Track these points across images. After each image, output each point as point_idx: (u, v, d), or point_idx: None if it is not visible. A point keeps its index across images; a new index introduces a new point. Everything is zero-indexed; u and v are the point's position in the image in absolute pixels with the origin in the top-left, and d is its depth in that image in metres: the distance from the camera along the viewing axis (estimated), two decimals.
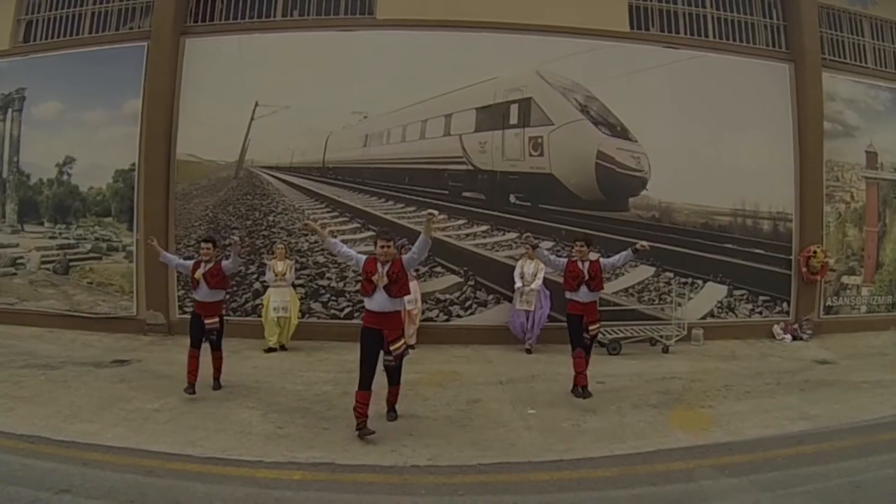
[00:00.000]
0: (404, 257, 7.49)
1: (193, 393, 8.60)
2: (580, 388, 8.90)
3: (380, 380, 7.57)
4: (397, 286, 7.36)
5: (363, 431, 7.20)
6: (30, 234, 14.00)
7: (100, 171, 13.63)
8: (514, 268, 12.44)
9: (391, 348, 7.35)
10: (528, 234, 9.77)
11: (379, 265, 7.42)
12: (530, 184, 12.97)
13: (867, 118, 14.76)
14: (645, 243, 8.99)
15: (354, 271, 11.86)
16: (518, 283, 12.18)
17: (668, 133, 13.21)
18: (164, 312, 12.99)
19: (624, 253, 9.14)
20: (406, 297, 8.07)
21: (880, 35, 15.16)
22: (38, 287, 13.75)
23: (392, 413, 7.87)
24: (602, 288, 9.24)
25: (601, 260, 9.13)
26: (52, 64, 13.87)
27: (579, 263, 9.01)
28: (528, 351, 12.03)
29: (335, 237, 8.14)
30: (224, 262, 8.92)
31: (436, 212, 7.56)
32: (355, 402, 7.30)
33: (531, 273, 12.09)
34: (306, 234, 12.98)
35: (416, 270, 11.75)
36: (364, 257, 7.63)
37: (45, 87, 13.96)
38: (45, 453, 6.42)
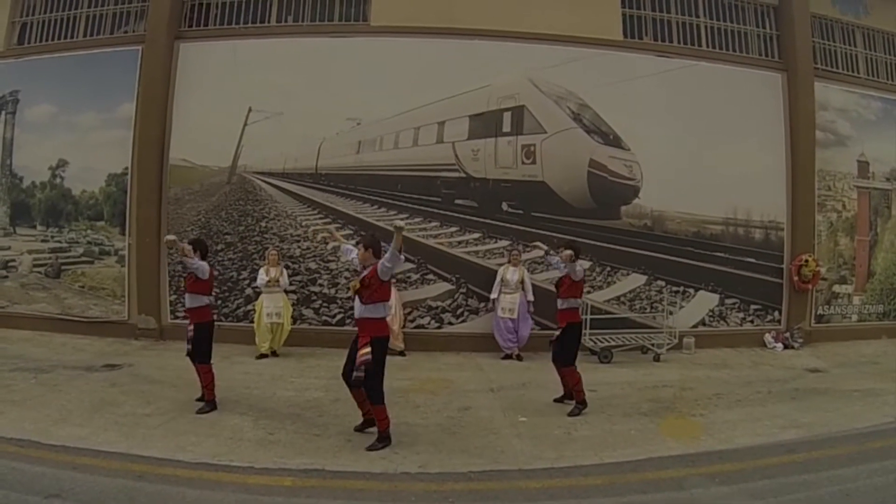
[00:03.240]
0: (378, 264, 7.31)
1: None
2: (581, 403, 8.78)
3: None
4: (368, 292, 7.18)
5: (360, 427, 7.57)
6: (22, 238, 13.96)
7: (92, 175, 13.61)
8: None
9: (358, 353, 7.21)
10: (537, 241, 9.65)
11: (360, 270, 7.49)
12: (522, 191, 12.99)
13: (859, 128, 14.84)
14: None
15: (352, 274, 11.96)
16: (494, 294, 12.24)
17: (661, 142, 13.23)
18: (155, 317, 12.94)
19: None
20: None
21: (872, 45, 15.26)
22: (29, 290, 13.70)
23: (376, 441, 7.19)
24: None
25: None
26: (46, 67, 13.84)
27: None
28: (519, 357, 12.02)
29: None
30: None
31: (402, 224, 7.31)
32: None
33: (516, 280, 12.09)
34: (298, 241, 12.98)
35: (394, 278, 11.70)
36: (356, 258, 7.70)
37: (38, 90, 13.91)
38: (34, 457, 6.39)
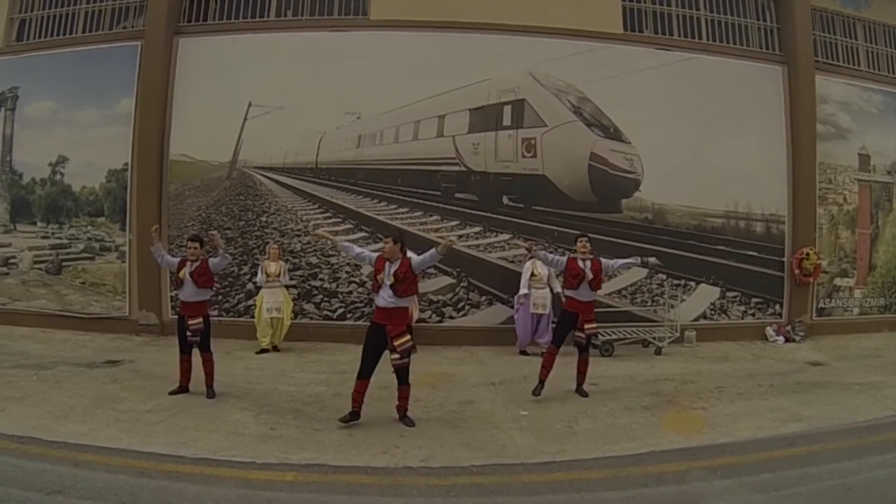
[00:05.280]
0: (414, 259, 7.66)
1: (185, 391, 8.75)
2: (540, 382, 9.05)
3: (380, 380, 7.68)
4: (403, 286, 7.60)
5: (346, 418, 7.60)
6: (22, 234, 13.95)
7: (92, 171, 13.60)
8: (506, 268, 12.47)
9: (395, 344, 7.54)
10: (530, 240, 9.70)
11: (387, 264, 7.68)
12: (523, 185, 12.98)
13: (860, 121, 14.80)
14: (655, 260, 9.46)
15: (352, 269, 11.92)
16: (524, 290, 11.99)
17: (661, 135, 13.20)
18: (156, 313, 12.95)
19: (629, 259, 9.26)
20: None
21: (873, 38, 15.23)
22: (30, 287, 13.71)
23: (408, 419, 7.74)
24: (600, 287, 9.28)
25: (602, 260, 9.17)
26: (46, 63, 13.81)
27: (580, 262, 9.03)
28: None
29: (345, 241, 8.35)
30: (212, 260, 8.84)
31: (455, 241, 7.92)
32: (353, 389, 7.69)
33: (546, 275, 11.99)
34: (299, 235, 12.97)
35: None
36: (375, 256, 7.89)
37: (38, 86, 13.90)
38: (36, 454, 6.38)
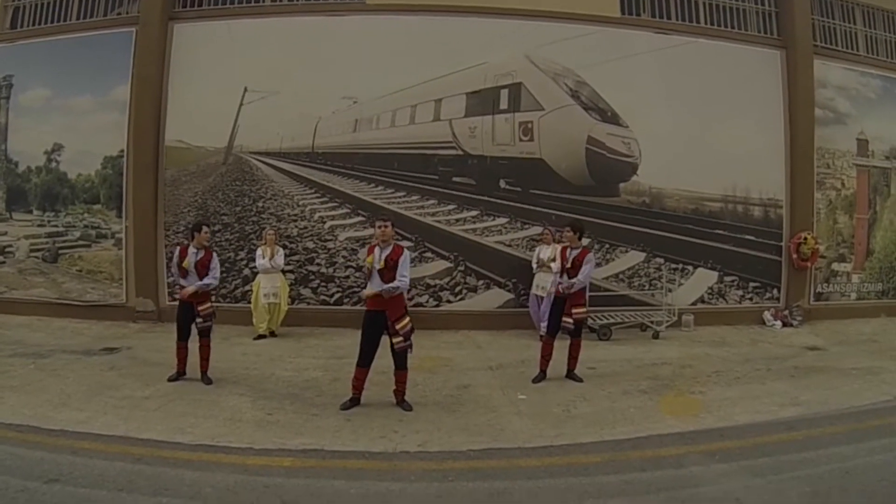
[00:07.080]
0: (405, 255, 7.60)
1: (182, 376, 8.75)
2: (541, 371, 9.12)
3: (379, 364, 7.70)
4: (390, 273, 7.53)
5: (347, 405, 7.64)
6: (18, 223, 13.90)
7: (88, 158, 13.53)
8: (504, 252, 12.55)
9: (397, 327, 7.57)
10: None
11: (377, 249, 7.62)
12: (520, 169, 12.95)
13: (858, 105, 14.78)
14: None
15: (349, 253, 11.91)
16: (534, 267, 12.06)
17: (659, 119, 13.18)
18: (153, 300, 12.93)
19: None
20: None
21: (872, 23, 15.16)
22: (27, 275, 13.67)
23: (405, 404, 7.73)
24: (576, 275, 8.99)
25: (590, 256, 9.11)
26: (40, 50, 13.73)
27: (567, 251, 9.05)
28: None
29: None
30: (213, 270, 8.84)
31: None
32: (353, 376, 7.71)
33: (548, 258, 11.89)
34: (296, 220, 12.96)
35: None
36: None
37: (32, 74, 13.81)
38: (33, 442, 6.37)
